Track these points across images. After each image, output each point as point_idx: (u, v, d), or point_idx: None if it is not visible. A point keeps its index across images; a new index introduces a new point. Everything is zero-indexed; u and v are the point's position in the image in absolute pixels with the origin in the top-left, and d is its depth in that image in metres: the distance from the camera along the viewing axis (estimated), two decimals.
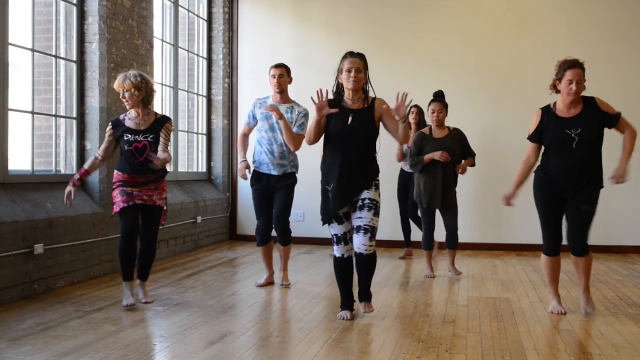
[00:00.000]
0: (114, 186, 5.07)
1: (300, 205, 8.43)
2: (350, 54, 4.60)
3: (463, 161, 6.47)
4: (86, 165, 5.12)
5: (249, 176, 5.81)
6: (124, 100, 4.98)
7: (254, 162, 5.78)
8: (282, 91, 5.74)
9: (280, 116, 5.50)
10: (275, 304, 5.20)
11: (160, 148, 5.00)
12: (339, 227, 4.60)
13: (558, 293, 4.97)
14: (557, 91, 4.77)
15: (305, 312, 4.88)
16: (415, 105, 7.59)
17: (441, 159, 6.18)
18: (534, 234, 8.50)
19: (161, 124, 5.06)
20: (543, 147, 4.88)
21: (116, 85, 4.99)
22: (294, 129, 5.62)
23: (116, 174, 5.07)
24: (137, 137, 4.97)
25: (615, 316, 4.82)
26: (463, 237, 7.91)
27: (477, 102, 8.42)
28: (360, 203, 4.53)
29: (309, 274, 6.59)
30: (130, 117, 5.05)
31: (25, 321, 4.45)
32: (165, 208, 5.18)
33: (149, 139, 4.99)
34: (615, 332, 4.34)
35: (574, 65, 4.65)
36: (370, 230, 4.51)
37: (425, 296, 5.53)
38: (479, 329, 4.41)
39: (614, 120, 4.70)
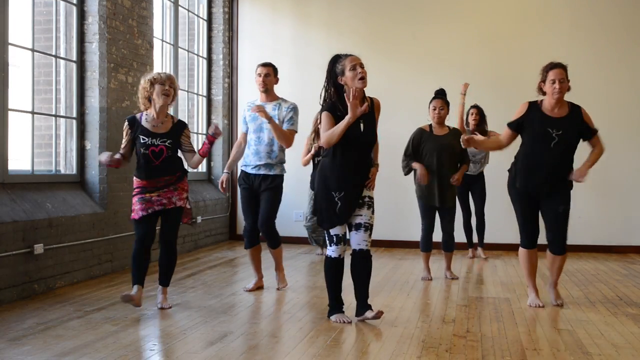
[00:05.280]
0: (133, 192, 4.86)
1: (301, 205, 8.43)
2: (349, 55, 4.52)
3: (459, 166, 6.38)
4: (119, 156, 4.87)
5: (225, 191, 5.77)
6: (163, 96, 4.74)
7: (243, 163, 5.65)
8: (266, 90, 5.58)
9: (268, 117, 5.34)
10: (275, 304, 5.20)
11: (188, 153, 4.95)
12: (340, 227, 4.53)
13: (536, 287, 5.20)
14: (543, 93, 5.02)
15: (305, 312, 4.88)
16: (475, 106, 7.56)
17: (420, 179, 6.15)
18: None
19: (180, 129, 4.88)
20: (521, 142, 5.10)
21: (161, 78, 4.75)
22: (284, 126, 5.48)
23: (135, 180, 4.87)
24: (154, 140, 4.76)
25: (615, 316, 4.82)
26: (463, 237, 7.90)
27: (477, 102, 8.40)
28: (360, 201, 4.54)
29: (308, 273, 6.59)
30: (147, 119, 4.82)
31: (25, 321, 4.45)
32: (189, 207, 4.97)
33: (166, 143, 4.78)
34: (615, 332, 4.34)
35: (555, 65, 4.93)
36: (370, 228, 4.56)
37: (425, 296, 5.53)
38: (479, 329, 4.41)
39: (591, 134, 5.00)
